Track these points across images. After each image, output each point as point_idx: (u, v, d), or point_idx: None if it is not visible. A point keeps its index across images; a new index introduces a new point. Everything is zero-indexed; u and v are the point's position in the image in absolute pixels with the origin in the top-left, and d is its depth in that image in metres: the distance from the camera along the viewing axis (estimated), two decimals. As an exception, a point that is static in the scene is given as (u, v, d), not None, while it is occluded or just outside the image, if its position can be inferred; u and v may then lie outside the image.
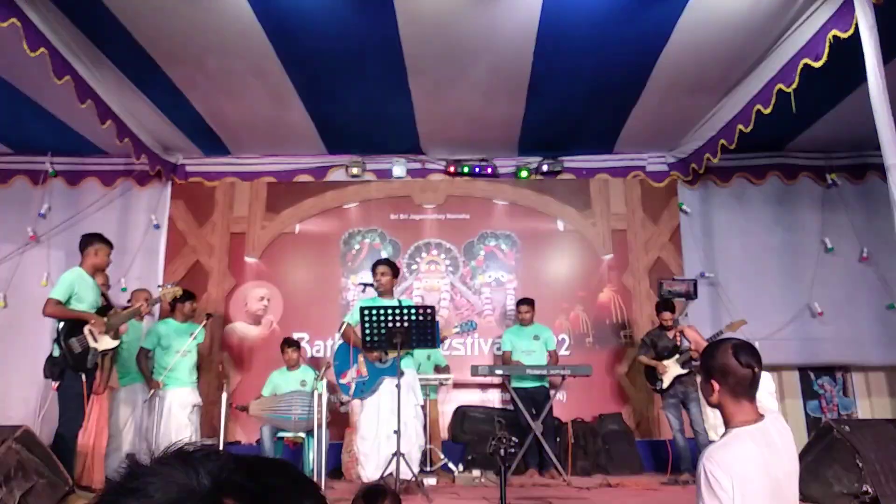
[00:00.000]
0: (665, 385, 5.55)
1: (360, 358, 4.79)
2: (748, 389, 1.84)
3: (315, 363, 6.49)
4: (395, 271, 5.06)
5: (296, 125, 6.51)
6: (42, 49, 4.40)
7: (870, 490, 3.83)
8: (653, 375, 5.72)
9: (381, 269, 4.95)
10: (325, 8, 4.59)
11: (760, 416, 1.84)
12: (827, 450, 4.19)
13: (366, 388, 4.76)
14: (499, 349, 6.69)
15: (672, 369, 5.51)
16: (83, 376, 4.35)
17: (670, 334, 5.69)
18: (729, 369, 1.83)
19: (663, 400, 5.67)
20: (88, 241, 4.64)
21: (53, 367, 4.39)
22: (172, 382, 5.25)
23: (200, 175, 7.30)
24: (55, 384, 4.47)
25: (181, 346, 5.28)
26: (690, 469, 5.40)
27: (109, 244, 4.72)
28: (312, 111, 6.23)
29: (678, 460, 5.53)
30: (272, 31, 4.86)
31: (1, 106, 5.87)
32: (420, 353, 5.95)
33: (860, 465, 3.92)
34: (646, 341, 5.88)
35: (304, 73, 5.53)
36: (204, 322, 5.56)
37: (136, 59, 5.19)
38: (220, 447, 4.85)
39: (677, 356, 5.56)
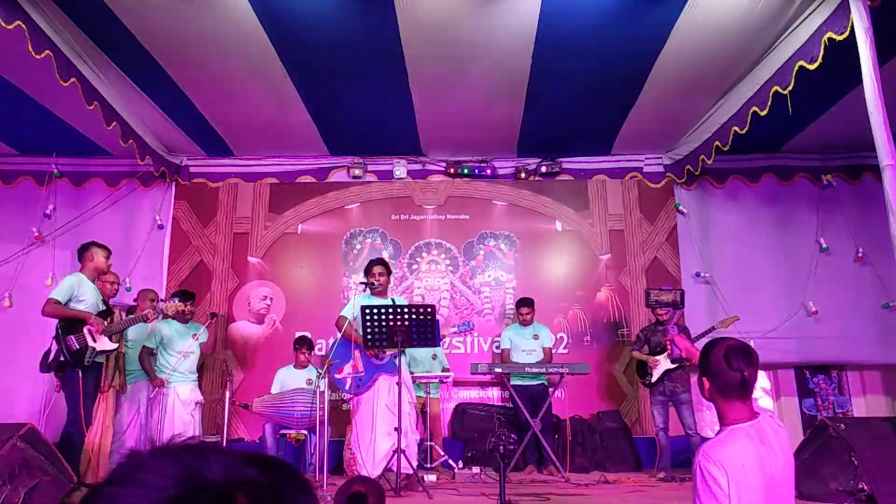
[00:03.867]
0: (654, 379, 5.60)
1: (357, 354, 4.81)
2: (738, 391, 1.85)
3: (317, 361, 6.55)
4: (389, 271, 5.14)
5: (298, 127, 6.55)
6: (47, 51, 4.42)
7: (865, 488, 3.87)
8: (643, 370, 5.78)
9: (378, 269, 5.00)
10: (327, 10, 4.63)
11: (755, 415, 1.86)
12: (823, 448, 4.21)
13: (362, 385, 4.78)
14: (498, 347, 6.75)
15: (662, 364, 5.57)
16: (80, 373, 4.43)
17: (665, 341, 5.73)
18: (719, 371, 1.86)
19: (651, 396, 5.72)
20: (85, 247, 4.84)
21: (50, 363, 4.48)
22: (175, 380, 5.35)
23: (204, 176, 7.35)
24: (57, 385, 4.57)
25: (183, 347, 5.37)
26: (668, 467, 5.46)
27: (105, 248, 4.86)
28: (314, 113, 6.28)
29: (658, 457, 5.59)
30: (274, 34, 4.90)
31: (6, 108, 5.92)
32: (426, 354, 6.01)
33: (856, 462, 3.93)
34: (640, 336, 5.95)
35: (305, 75, 5.58)
36: (208, 322, 5.68)
37: (139, 62, 5.23)
38: (223, 444, 4.94)
39: (668, 352, 5.62)
